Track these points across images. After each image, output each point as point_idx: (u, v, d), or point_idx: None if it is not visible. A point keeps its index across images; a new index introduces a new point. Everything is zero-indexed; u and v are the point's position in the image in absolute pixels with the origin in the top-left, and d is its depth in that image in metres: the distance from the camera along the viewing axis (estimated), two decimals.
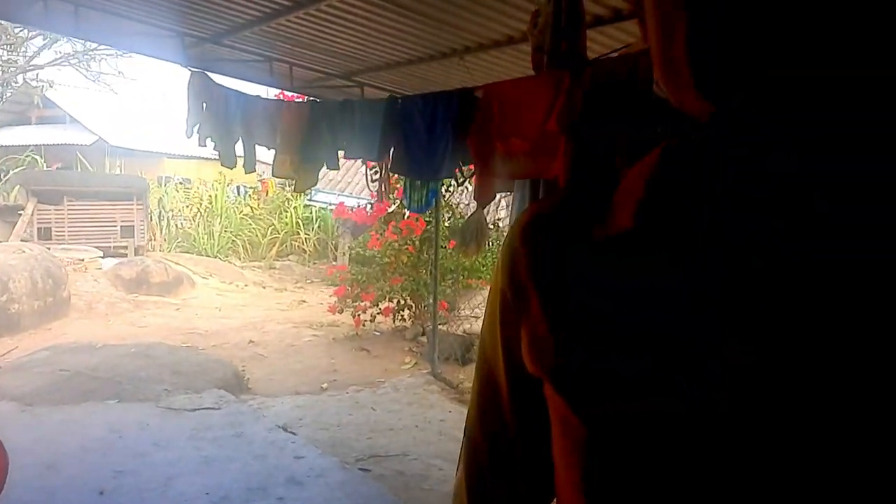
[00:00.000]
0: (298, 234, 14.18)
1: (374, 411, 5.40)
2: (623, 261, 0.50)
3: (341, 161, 4.07)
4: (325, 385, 6.11)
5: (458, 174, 3.39)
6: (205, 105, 4.16)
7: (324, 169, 4.05)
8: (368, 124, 3.31)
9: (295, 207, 14.22)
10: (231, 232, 14.13)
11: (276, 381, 6.25)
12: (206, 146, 4.38)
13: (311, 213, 14.09)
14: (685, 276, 0.47)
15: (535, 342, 0.56)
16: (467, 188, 7.93)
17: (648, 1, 0.47)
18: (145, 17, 4.34)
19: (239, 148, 4.10)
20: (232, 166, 4.20)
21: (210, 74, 4.33)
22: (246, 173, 4.54)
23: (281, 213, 14.38)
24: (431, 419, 5.26)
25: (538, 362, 0.55)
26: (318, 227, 14.15)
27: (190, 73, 4.28)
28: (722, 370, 0.44)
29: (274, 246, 14.08)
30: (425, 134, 2.94)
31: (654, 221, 0.50)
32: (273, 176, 4.48)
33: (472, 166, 2.66)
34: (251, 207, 14.73)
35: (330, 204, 11.83)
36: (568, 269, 0.53)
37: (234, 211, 14.59)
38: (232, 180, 15.93)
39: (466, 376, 6.31)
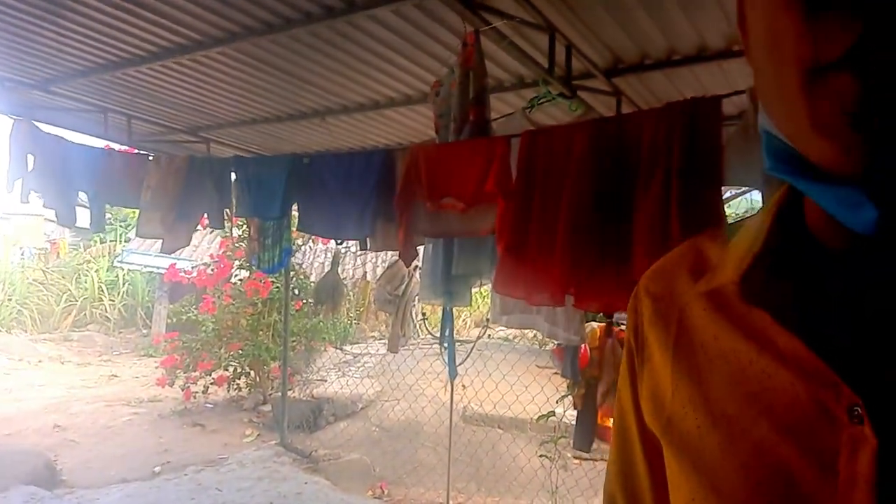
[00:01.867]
0: (101, 300, 12.70)
1: (220, 492, 4.94)
2: (727, 314, 0.49)
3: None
4: (157, 469, 5.47)
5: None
6: (32, 157, 3.68)
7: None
8: (266, 182, 3.18)
9: (97, 271, 12.76)
10: (16, 300, 12.24)
11: (96, 469, 5.46)
12: (28, 202, 3.85)
13: (116, 276, 12.73)
14: (806, 336, 0.43)
15: (653, 395, 0.55)
16: (310, 247, 7.80)
17: (759, 45, 0.42)
18: None
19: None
20: (72, 225, 3.73)
21: (37, 124, 3.86)
22: (93, 233, 4.07)
23: (79, 277, 12.80)
24: (287, 493, 4.95)
25: (656, 416, 0.54)
26: (126, 291, 12.81)
27: (13, 121, 3.78)
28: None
29: (70, 314, 12.44)
30: (339, 193, 2.91)
31: (767, 277, 0.47)
32: (138, 236, 4.06)
33: (400, 225, 2.64)
34: (42, 272, 12.94)
35: (146, 266, 10.82)
36: (684, 320, 0.53)
37: (20, 276, 12.70)
38: (16, 241, 13.92)
39: (320, 443, 6.06)
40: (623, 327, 3.53)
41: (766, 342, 0.45)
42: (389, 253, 5.39)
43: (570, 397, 3.80)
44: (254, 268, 5.03)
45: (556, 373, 6.20)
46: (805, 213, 0.48)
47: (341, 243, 4.25)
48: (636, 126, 2.13)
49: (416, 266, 4.59)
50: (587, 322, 3.31)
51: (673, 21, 2.77)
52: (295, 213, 3.61)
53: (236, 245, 6.67)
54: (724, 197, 2.03)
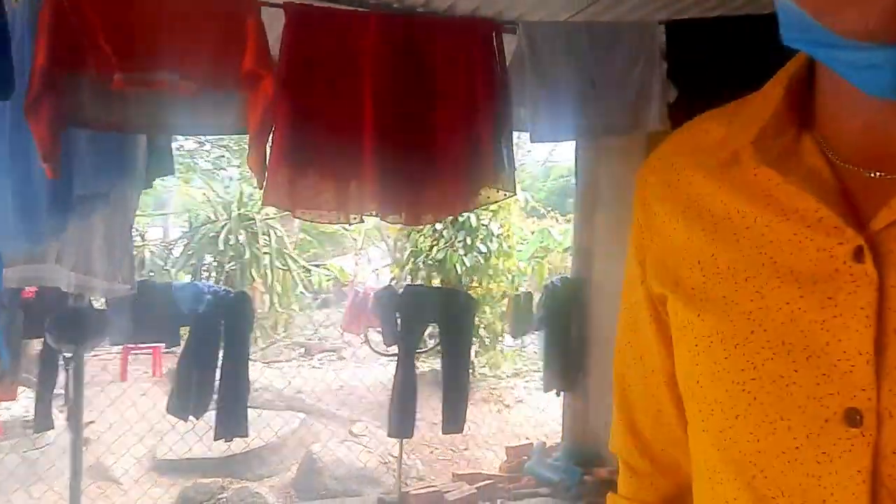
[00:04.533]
0: None
1: None
2: (733, 179, 0.53)
3: None
4: None
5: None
6: None
7: None
8: None
9: None
10: None
11: None
12: None
13: None
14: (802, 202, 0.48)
15: (662, 261, 0.59)
16: None
17: None
18: None
19: None
20: None
21: None
22: None
23: None
24: None
25: (664, 279, 0.58)
26: None
27: None
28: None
29: None
30: None
31: (775, 141, 0.50)
32: None
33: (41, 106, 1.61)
34: None
35: None
36: (692, 191, 0.57)
37: None
38: None
39: None
40: None
41: (771, 200, 0.50)
42: None
43: None
44: None
45: None
46: (815, 86, 0.51)
47: None
48: (428, 33, 2.03)
49: None
50: None
51: None
52: None
53: None
54: None
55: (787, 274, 0.47)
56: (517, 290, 6.29)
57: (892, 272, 0.43)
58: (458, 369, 3.51)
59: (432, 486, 3.91)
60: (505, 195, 2.20)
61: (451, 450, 5.24)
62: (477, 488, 3.85)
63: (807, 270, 0.46)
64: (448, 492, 3.79)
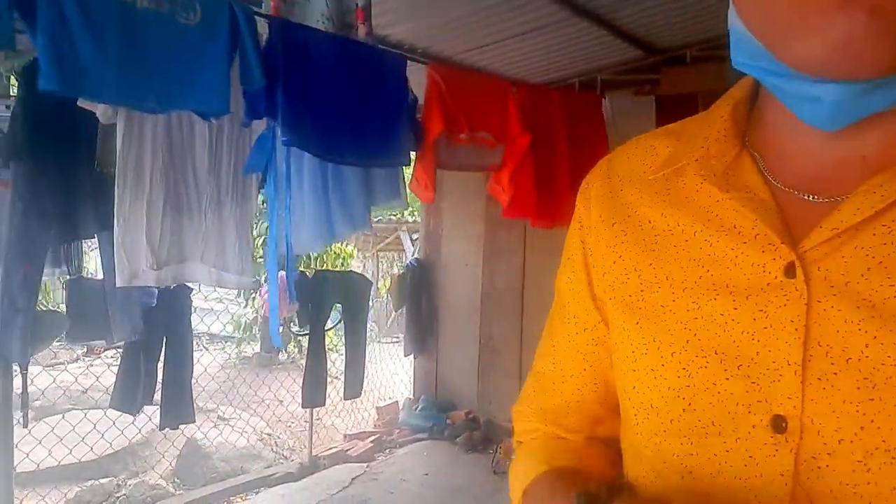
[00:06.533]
0: None
1: None
2: (678, 198, 0.55)
3: None
4: None
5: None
6: None
7: None
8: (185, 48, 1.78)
9: None
10: None
11: None
12: None
13: None
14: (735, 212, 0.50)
15: (601, 266, 0.61)
16: None
17: None
18: None
19: None
20: None
21: None
22: None
23: None
24: None
25: (605, 283, 0.60)
26: None
27: None
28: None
29: None
30: (338, 94, 2.33)
31: (718, 160, 0.53)
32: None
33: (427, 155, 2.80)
34: None
35: None
36: (632, 200, 0.59)
37: None
38: None
39: None
40: None
41: (711, 215, 0.52)
42: None
43: None
44: None
45: None
46: (758, 110, 0.54)
47: None
48: (574, 101, 3.49)
49: None
50: None
51: None
52: None
53: None
54: None
55: (723, 286, 0.49)
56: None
57: (819, 288, 0.45)
58: (358, 340, 4.04)
59: (334, 447, 4.38)
60: None
61: (305, 421, 5.65)
62: (371, 443, 4.44)
63: (741, 284, 0.49)
64: (349, 449, 4.32)
